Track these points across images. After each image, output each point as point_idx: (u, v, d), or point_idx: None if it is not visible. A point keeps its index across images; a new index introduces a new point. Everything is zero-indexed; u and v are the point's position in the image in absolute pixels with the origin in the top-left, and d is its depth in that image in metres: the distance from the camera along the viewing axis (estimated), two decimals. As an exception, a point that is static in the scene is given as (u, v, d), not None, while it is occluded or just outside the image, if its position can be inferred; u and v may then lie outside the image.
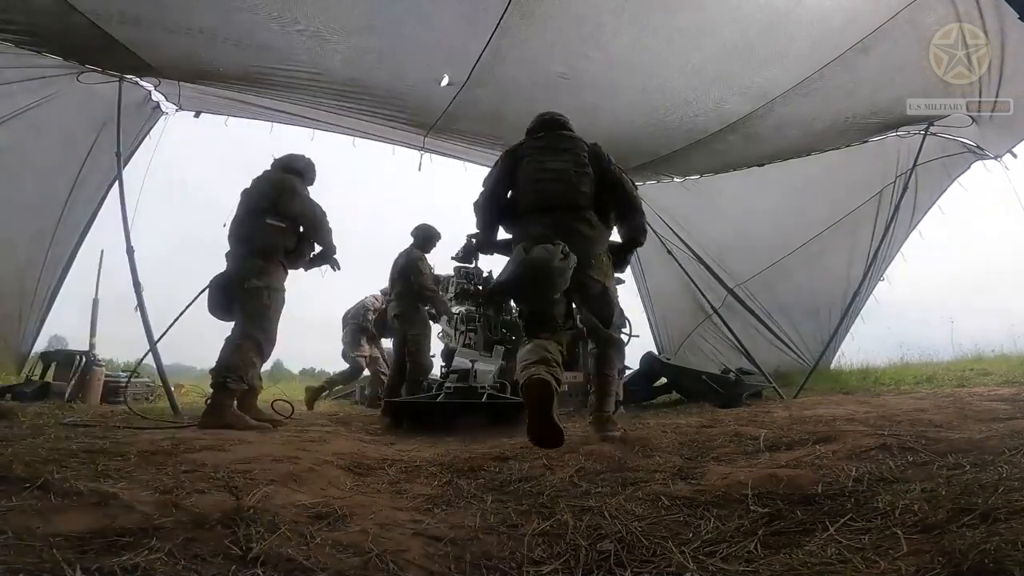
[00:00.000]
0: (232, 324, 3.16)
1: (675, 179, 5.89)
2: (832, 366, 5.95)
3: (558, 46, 3.62)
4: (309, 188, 3.50)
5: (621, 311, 4.75)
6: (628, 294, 6.66)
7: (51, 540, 0.95)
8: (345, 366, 6.04)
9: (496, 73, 3.86)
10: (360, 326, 5.93)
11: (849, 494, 1.27)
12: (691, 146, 4.89)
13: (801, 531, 1.10)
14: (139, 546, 0.95)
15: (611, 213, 2.73)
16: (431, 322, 4.94)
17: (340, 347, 6.05)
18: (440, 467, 1.96)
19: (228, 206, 3.37)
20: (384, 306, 5.40)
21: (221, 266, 3.28)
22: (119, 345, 9.06)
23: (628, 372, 4.80)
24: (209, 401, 3.01)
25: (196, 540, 1.00)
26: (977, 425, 2.19)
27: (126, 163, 4.28)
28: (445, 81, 4.00)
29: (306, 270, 3.52)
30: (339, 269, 3.59)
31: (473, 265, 5.24)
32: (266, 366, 3.53)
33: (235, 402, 3.02)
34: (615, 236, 2.80)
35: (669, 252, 5.86)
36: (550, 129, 2.82)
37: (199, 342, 3.79)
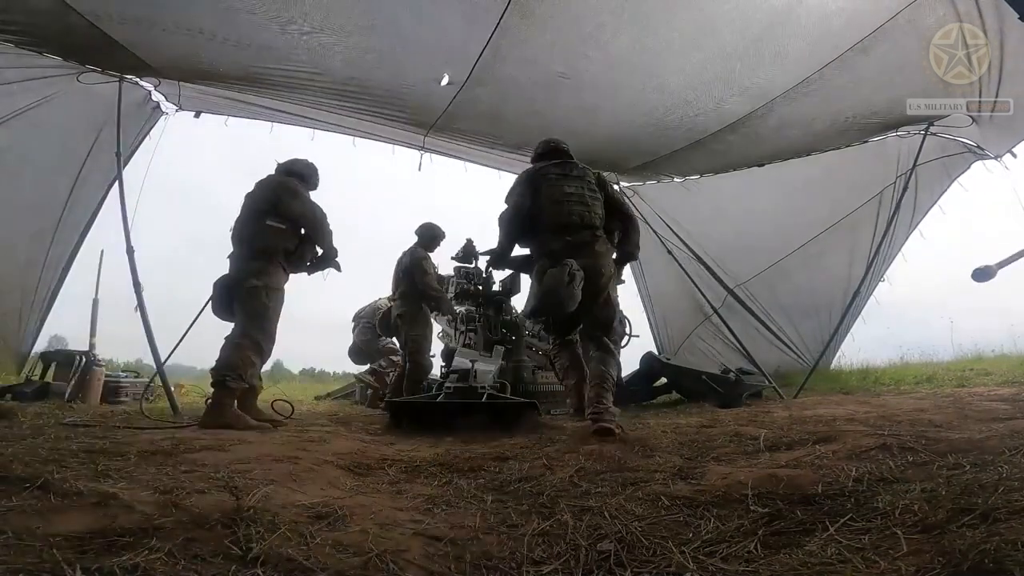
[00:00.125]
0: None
1: (675, 179, 5.89)
2: (832, 366, 5.94)
3: (558, 46, 3.62)
4: (312, 192, 3.53)
5: (621, 312, 4.88)
6: (628, 294, 6.66)
7: (51, 540, 0.95)
8: (352, 365, 6.06)
9: (496, 73, 3.86)
10: (374, 326, 5.95)
11: (849, 494, 1.27)
12: (691, 146, 4.89)
13: (801, 531, 1.10)
14: (139, 546, 0.95)
15: (615, 231, 3.18)
16: (433, 322, 4.95)
17: (340, 347, 6.06)
18: (440, 467, 1.96)
19: (228, 206, 3.38)
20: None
21: (222, 266, 3.30)
22: (119, 345, 9.07)
23: (628, 372, 4.83)
24: (209, 400, 3.02)
25: (196, 540, 1.00)
26: (977, 425, 2.20)
27: (126, 163, 4.28)
28: (445, 81, 4.00)
29: (309, 274, 3.53)
30: (340, 271, 3.60)
31: (473, 265, 5.24)
32: (266, 366, 3.53)
33: (235, 401, 3.02)
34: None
35: (669, 252, 5.86)
36: (559, 155, 3.25)
37: (199, 342, 3.79)
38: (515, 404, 3.38)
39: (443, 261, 5.22)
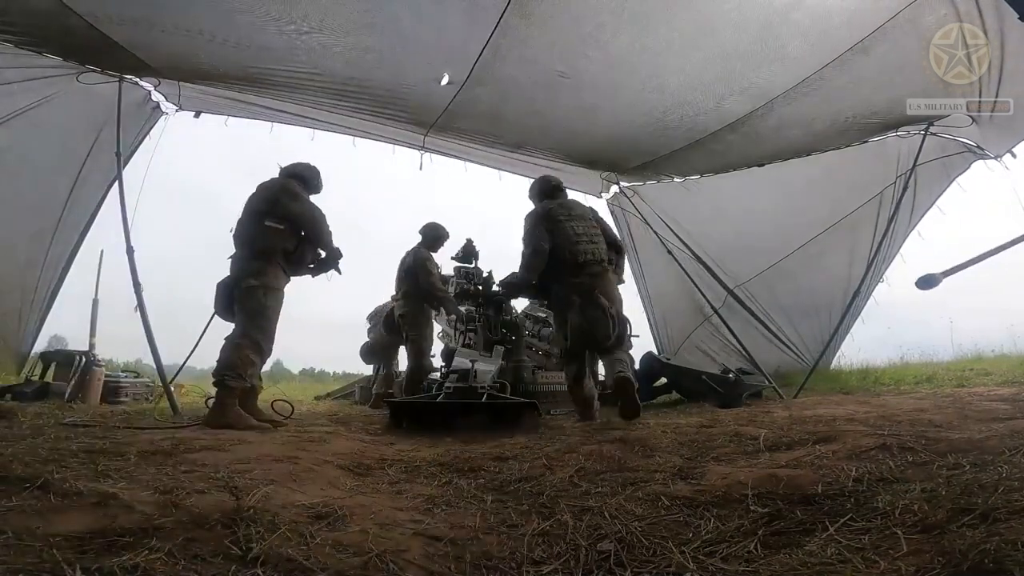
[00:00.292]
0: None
1: (675, 179, 5.88)
2: (832, 366, 5.94)
3: (558, 45, 3.62)
4: (315, 195, 3.55)
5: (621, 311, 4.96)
6: (628, 294, 6.65)
7: (51, 540, 0.95)
8: (361, 365, 6.05)
9: (496, 72, 3.86)
10: None
11: (849, 494, 1.27)
12: (691, 146, 4.89)
13: (801, 531, 1.10)
14: (139, 546, 0.95)
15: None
16: (433, 323, 4.95)
17: (340, 347, 6.06)
18: (440, 467, 1.96)
19: (228, 206, 3.40)
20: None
21: (222, 266, 3.32)
22: (119, 345, 9.07)
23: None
24: (211, 401, 3.02)
25: (196, 540, 1.00)
26: (977, 425, 2.19)
27: (126, 163, 4.27)
28: (445, 80, 4.00)
29: (313, 276, 3.55)
30: (340, 273, 3.61)
31: (473, 265, 5.24)
32: (266, 366, 3.54)
33: (237, 401, 3.02)
34: None
35: (669, 252, 5.86)
36: (559, 194, 3.80)
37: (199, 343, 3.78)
38: (515, 404, 3.38)
39: (443, 261, 5.23)
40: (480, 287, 5.05)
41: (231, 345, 3.08)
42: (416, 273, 4.74)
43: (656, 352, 5.93)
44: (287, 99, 4.45)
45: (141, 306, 3.78)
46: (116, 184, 4.14)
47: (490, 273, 5.21)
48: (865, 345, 6.07)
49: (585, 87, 4.07)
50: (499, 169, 5.68)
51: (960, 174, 4.76)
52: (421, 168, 5.31)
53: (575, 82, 3.99)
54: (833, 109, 4.24)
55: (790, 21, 3.30)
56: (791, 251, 5.67)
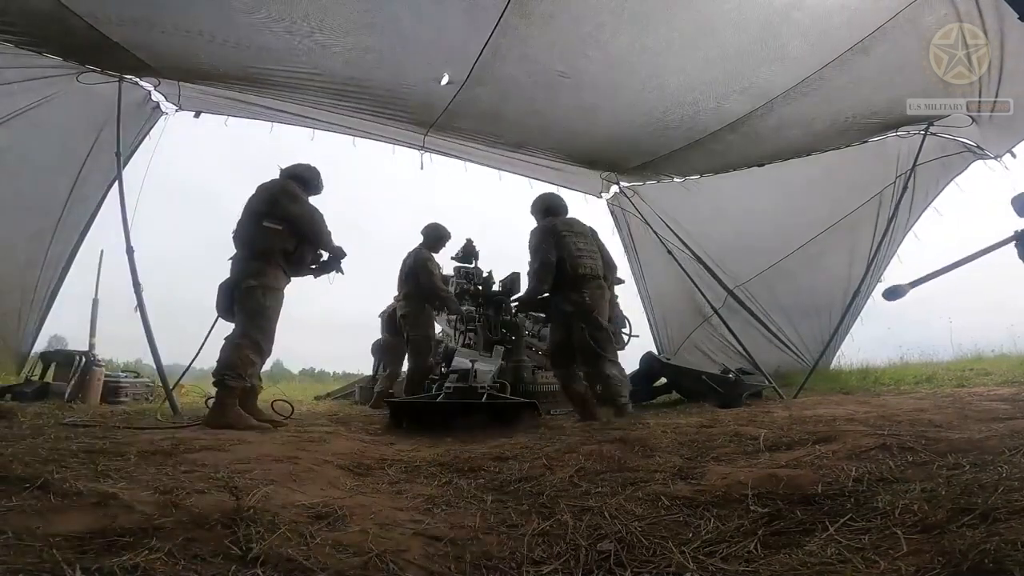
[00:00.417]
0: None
1: (675, 179, 5.88)
2: (832, 366, 5.94)
3: (558, 45, 3.62)
4: (316, 196, 3.55)
5: (621, 312, 5.06)
6: (628, 294, 6.67)
7: (51, 540, 0.95)
8: (362, 365, 6.05)
9: (496, 72, 3.86)
10: None
11: (849, 494, 1.27)
12: (691, 146, 4.88)
13: (801, 531, 1.10)
14: (139, 546, 0.95)
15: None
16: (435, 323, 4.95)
17: (340, 347, 6.07)
18: (440, 467, 1.96)
19: (228, 206, 3.40)
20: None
21: (222, 266, 3.33)
22: (119, 345, 9.07)
23: (628, 373, 4.85)
24: (211, 401, 3.02)
25: (196, 540, 1.00)
26: (977, 425, 2.19)
27: (126, 163, 4.27)
28: (445, 80, 4.00)
29: (316, 276, 3.56)
30: (342, 273, 3.61)
31: (473, 265, 5.24)
32: (266, 366, 3.54)
33: (237, 401, 3.03)
34: None
35: (669, 252, 5.86)
36: (562, 211, 4.02)
37: (199, 342, 3.78)
38: (515, 404, 3.38)
39: (443, 261, 5.23)
40: (480, 287, 5.05)
41: (231, 345, 3.08)
42: (417, 274, 4.74)
43: (656, 352, 5.93)
44: (287, 99, 4.45)
45: (141, 306, 3.78)
46: (116, 184, 4.14)
47: (490, 273, 5.21)
48: (865, 345, 6.08)
49: (585, 87, 4.07)
50: (499, 169, 5.68)
51: (958, 174, 4.77)
52: (422, 168, 5.32)
53: (575, 82, 3.99)
54: (833, 109, 4.24)
55: (790, 21, 3.30)
56: (791, 251, 5.67)
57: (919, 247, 5.16)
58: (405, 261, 4.94)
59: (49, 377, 4.47)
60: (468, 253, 5.24)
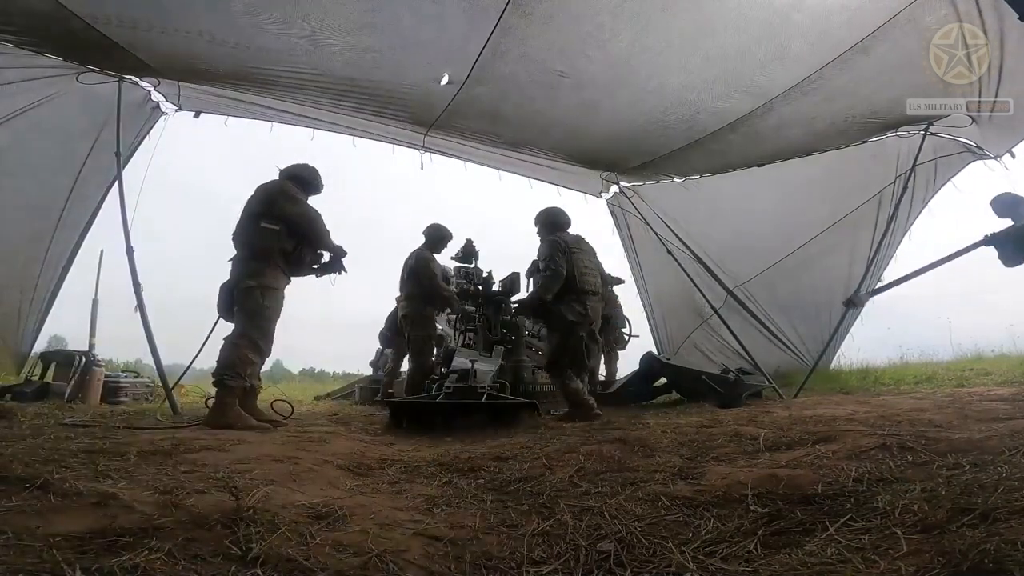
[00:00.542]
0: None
1: (675, 179, 5.88)
2: (832, 366, 5.94)
3: (557, 45, 3.62)
4: (316, 196, 3.56)
5: (621, 312, 5.06)
6: (628, 294, 6.68)
7: (51, 540, 0.95)
8: (362, 365, 6.09)
9: (496, 72, 3.86)
10: None
11: (849, 494, 1.27)
12: (691, 146, 4.89)
13: (801, 531, 1.10)
14: (139, 546, 0.95)
15: None
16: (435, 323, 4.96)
17: (340, 347, 6.12)
18: (440, 467, 1.96)
19: (228, 206, 3.39)
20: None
21: (222, 266, 3.33)
22: (119, 345, 9.07)
23: (628, 372, 4.90)
24: (211, 401, 3.02)
25: (196, 540, 1.00)
26: (977, 425, 2.19)
27: (126, 163, 4.27)
28: (445, 80, 3.99)
29: (317, 276, 3.55)
30: (345, 272, 3.61)
31: (473, 265, 5.24)
32: (266, 366, 3.54)
33: (237, 401, 3.03)
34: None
35: (669, 252, 5.86)
36: (569, 226, 4.22)
37: (199, 342, 3.78)
38: (515, 404, 3.38)
39: (444, 261, 5.22)
40: (480, 287, 5.05)
41: (230, 345, 3.08)
42: (418, 274, 4.75)
43: (656, 352, 5.93)
44: (287, 99, 4.45)
45: (141, 306, 3.78)
46: (116, 184, 4.14)
47: (490, 273, 5.21)
48: (865, 345, 6.09)
49: (585, 86, 4.07)
50: (499, 169, 5.68)
51: (954, 174, 4.77)
52: (422, 168, 5.32)
53: (575, 81, 3.99)
54: (833, 109, 4.24)
55: (790, 21, 3.30)
56: (791, 251, 5.67)
57: (918, 247, 5.19)
58: (406, 262, 4.94)
59: (49, 377, 4.47)
60: (468, 253, 5.24)
